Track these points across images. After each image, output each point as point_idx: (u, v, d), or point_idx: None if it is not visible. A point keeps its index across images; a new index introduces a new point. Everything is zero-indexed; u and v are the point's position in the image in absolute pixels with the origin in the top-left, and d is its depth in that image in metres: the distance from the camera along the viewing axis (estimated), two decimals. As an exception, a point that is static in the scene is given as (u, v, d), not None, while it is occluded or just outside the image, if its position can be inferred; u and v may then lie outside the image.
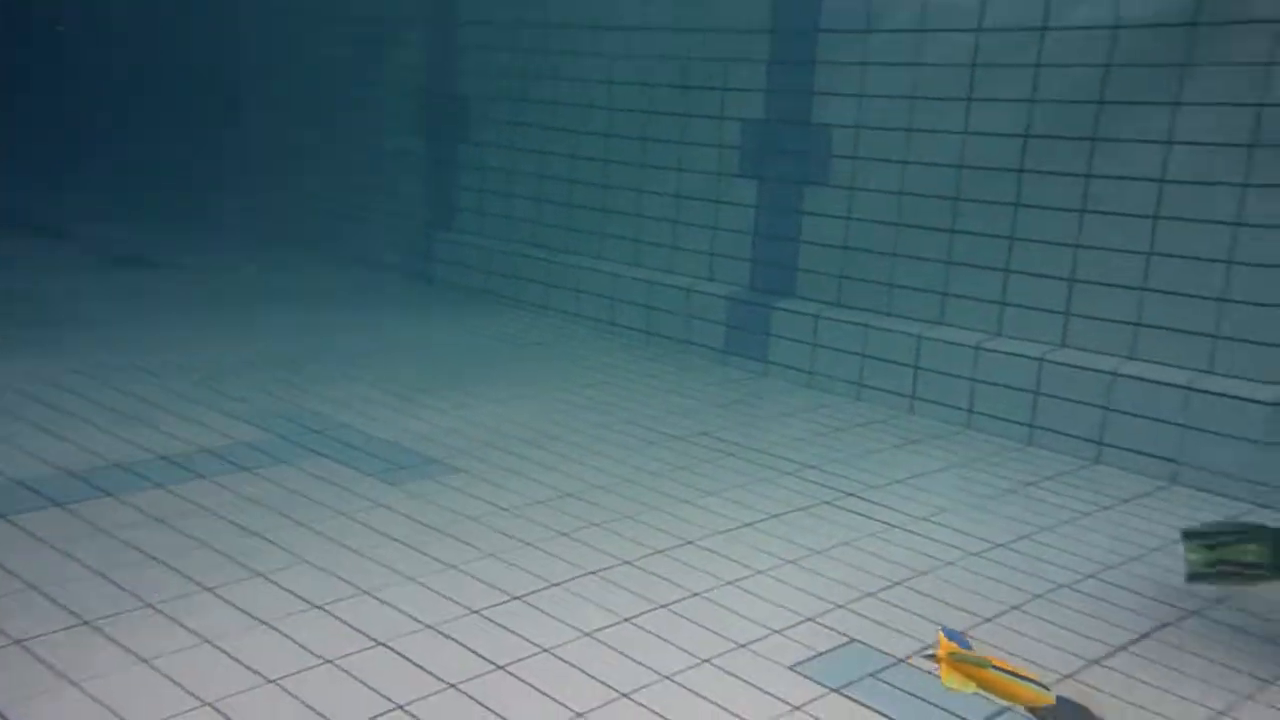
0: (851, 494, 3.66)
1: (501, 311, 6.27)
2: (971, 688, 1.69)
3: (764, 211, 5.17)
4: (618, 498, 3.50)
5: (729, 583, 2.91)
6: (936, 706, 2.32)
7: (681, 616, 2.70)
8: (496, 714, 2.19)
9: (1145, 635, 2.73)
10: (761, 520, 3.38)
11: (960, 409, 4.48)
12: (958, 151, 4.45)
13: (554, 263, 6.11)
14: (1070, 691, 2.42)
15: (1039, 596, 2.93)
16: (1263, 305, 3.70)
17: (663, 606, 2.74)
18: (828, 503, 3.57)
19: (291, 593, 2.67)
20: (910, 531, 3.36)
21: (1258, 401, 3.66)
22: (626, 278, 5.73)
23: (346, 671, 2.32)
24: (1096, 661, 2.58)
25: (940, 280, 4.57)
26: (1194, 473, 3.82)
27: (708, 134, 5.35)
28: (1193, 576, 2.83)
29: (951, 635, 1.73)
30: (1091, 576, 3.09)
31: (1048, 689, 1.65)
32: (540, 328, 5.93)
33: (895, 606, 2.82)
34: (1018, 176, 4.30)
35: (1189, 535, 2.87)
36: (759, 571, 2.99)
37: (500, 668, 2.39)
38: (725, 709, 2.27)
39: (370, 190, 7.30)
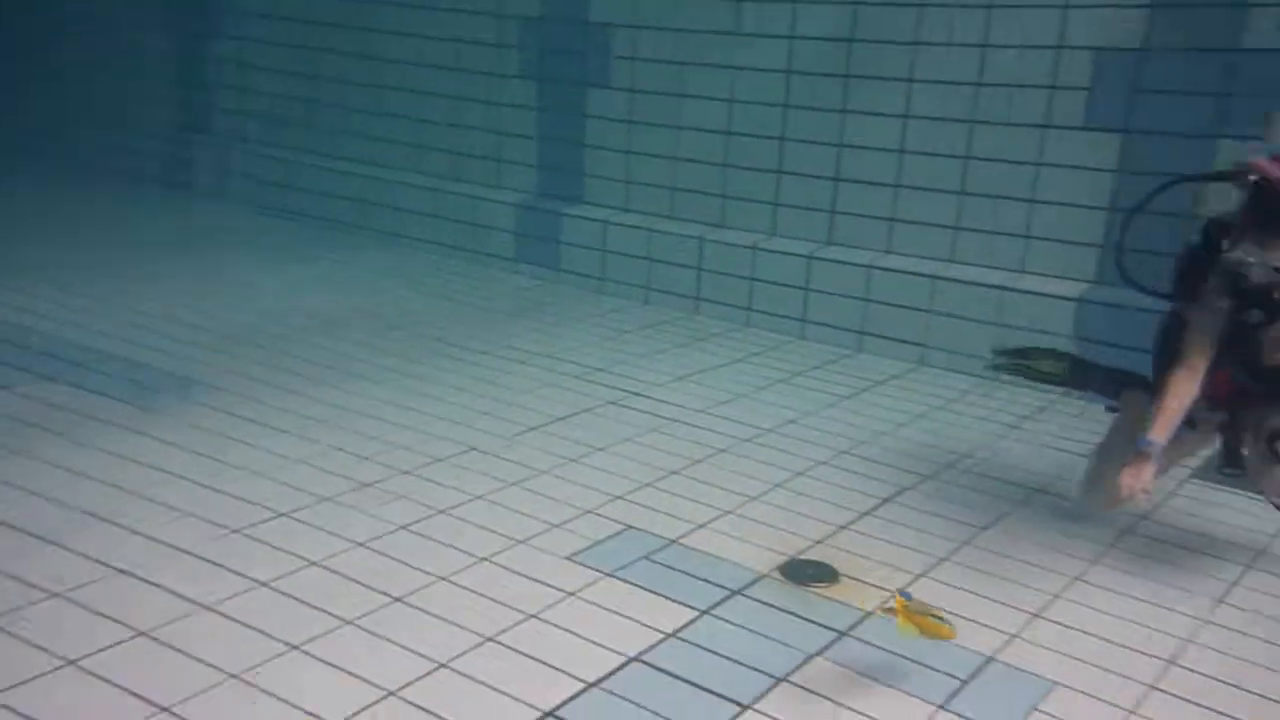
0: (636, 393, 3.78)
1: (270, 221, 5.87)
2: (914, 633, 2.02)
3: (547, 115, 5.08)
4: (398, 409, 3.44)
5: (511, 484, 2.95)
6: (698, 579, 2.49)
7: (461, 520, 2.71)
8: (259, 631, 2.13)
9: (888, 499, 3.03)
10: (547, 424, 3.43)
11: (741, 308, 4.69)
12: (729, 53, 4.54)
13: (329, 169, 5.75)
14: (821, 554, 2.66)
15: (800, 474, 3.18)
16: (993, 197, 4.08)
17: (441, 512, 2.75)
18: (613, 403, 3.67)
19: (11, 526, 2.45)
20: (689, 424, 3.52)
21: (989, 286, 4.07)
22: (411, 186, 5.50)
23: (78, 603, 2.17)
24: (845, 526, 2.84)
25: (719, 183, 4.71)
26: (939, 354, 4.22)
27: (486, 31, 5.15)
28: (993, 366, 3.26)
29: (904, 595, 2.04)
30: (846, 452, 3.38)
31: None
32: (322, 241, 5.61)
33: (671, 494, 2.97)
34: (785, 77, 4.46)
35: (1000, 352, 3.25)
36: (541, 472, 3.05)
37: (263, 584, 2.32)
38: (502, 603, 2.33)
39: (125, 97, 6.53)
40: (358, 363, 3.88)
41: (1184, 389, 2.42)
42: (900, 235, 4.34)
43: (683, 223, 4.82)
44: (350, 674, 2.02)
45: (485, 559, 2.52)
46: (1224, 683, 2.16)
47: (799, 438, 3.47)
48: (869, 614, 2.37)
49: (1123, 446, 2.58)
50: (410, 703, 1.95)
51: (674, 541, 2.69)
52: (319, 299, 4.66)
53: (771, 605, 2.41)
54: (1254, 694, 2.13)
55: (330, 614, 2.23)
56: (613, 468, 3.12)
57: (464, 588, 2.38)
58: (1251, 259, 2.31)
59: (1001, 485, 3.14)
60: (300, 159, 5.91)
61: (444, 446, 3.18)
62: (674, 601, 2.38)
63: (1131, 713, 2.05)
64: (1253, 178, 2.34)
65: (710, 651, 2.20)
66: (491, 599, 2.34)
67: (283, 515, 2.65)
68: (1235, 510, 3.02)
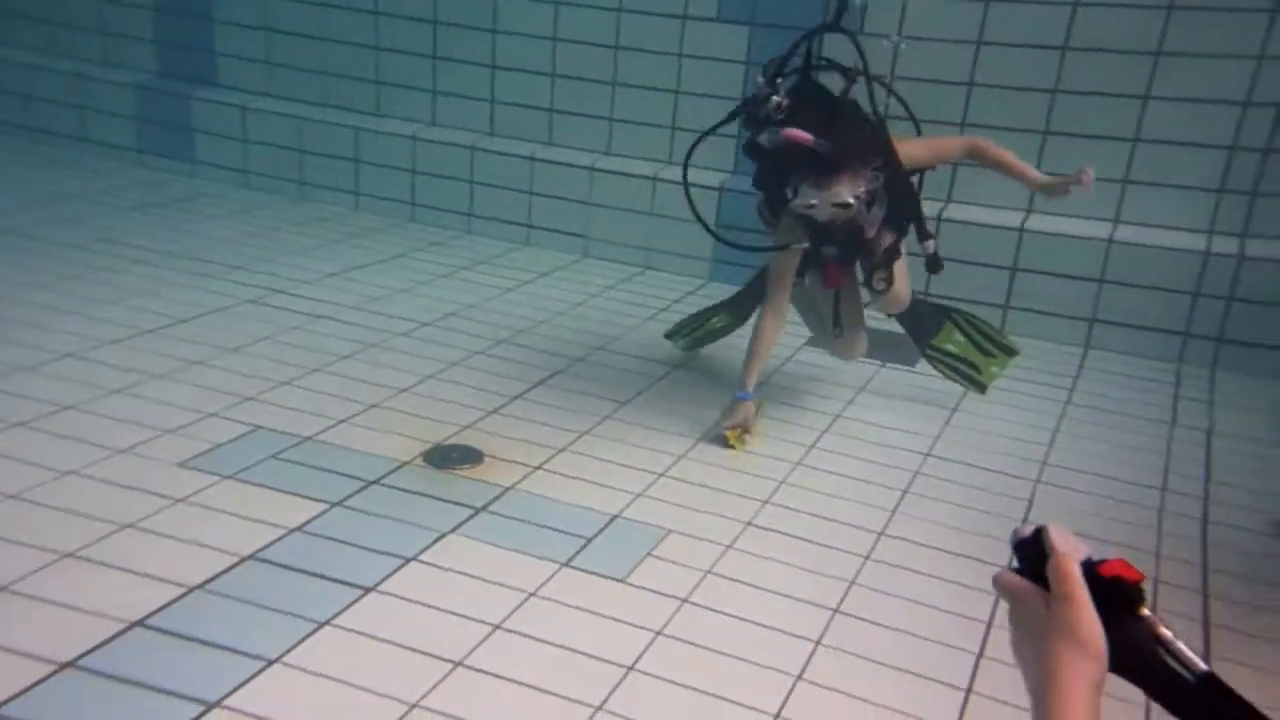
0: (279, 290, 3.51)
1: None
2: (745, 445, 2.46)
3: (165, -19, 4.42)
4: (-24, 320, 2.91)
5: (115, 391, 2.62)
6: (332, 473, 2.39)
7: (44, 432, 2.37)
8: None
9: (539, 383, 3.10)
10: (167, 325, 3.08)
11: (404, 202, 4.49)
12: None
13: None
14: (468, 438, 2.66)
15: (454, 364, 3.15)
16: (641, 88, 4.21)
17: (18, 425, 2.37)
18: (251, 301, 3.38)
19: None
20: (339, 321, 3.34)
21: (644, 177, 4.23)
22: (-3, 61, 4.57)
23: None
24: (494, 411, 2.87)
25: (371, 68, 4.41)
26: (600, 245, 4.35)
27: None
28: (677, 344, 3.37)
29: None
30: (504, 341, 3.39)
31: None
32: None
33: (310, 391, 2.81)
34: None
35: (674, 333, 3.37)
36: (155, 376, 2.74)
37: None
38: (88, 515, 2.07)
39: None
40: (-81, 267, 3.21)
41: (769, 333, 2.78)
42: (560, 127, 4.35)
43: (337, 111, 4.47)
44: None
45: (70, 473, 2.23)
46: (806, 513, 2.48)
47: (458, 329, 3.42)
48: (509, 488, 2.42)
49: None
50: (-42, 637, 1.68)
51: (308, 439, 2.55)
52: None
53: (409, 491, 2.37)
54: (826, 519, 2.47)
55: None
56: (244, 368, 2.88)
57: (39, 504, 2.09)
58: (814, 201, 2.50)
59: (646, 364, 3.33)
60: None
61: (29, 355, 2.74)
62: (301, 497, 2.27)
63: (729, 547, 2.29)
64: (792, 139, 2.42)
65: (338, 541, 2.12)
66: (75, 513, 2.08)
67: None
68: (830, 372, 3.45)
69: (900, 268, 2.82)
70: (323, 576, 1.99)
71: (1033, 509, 2.51)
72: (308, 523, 2.18)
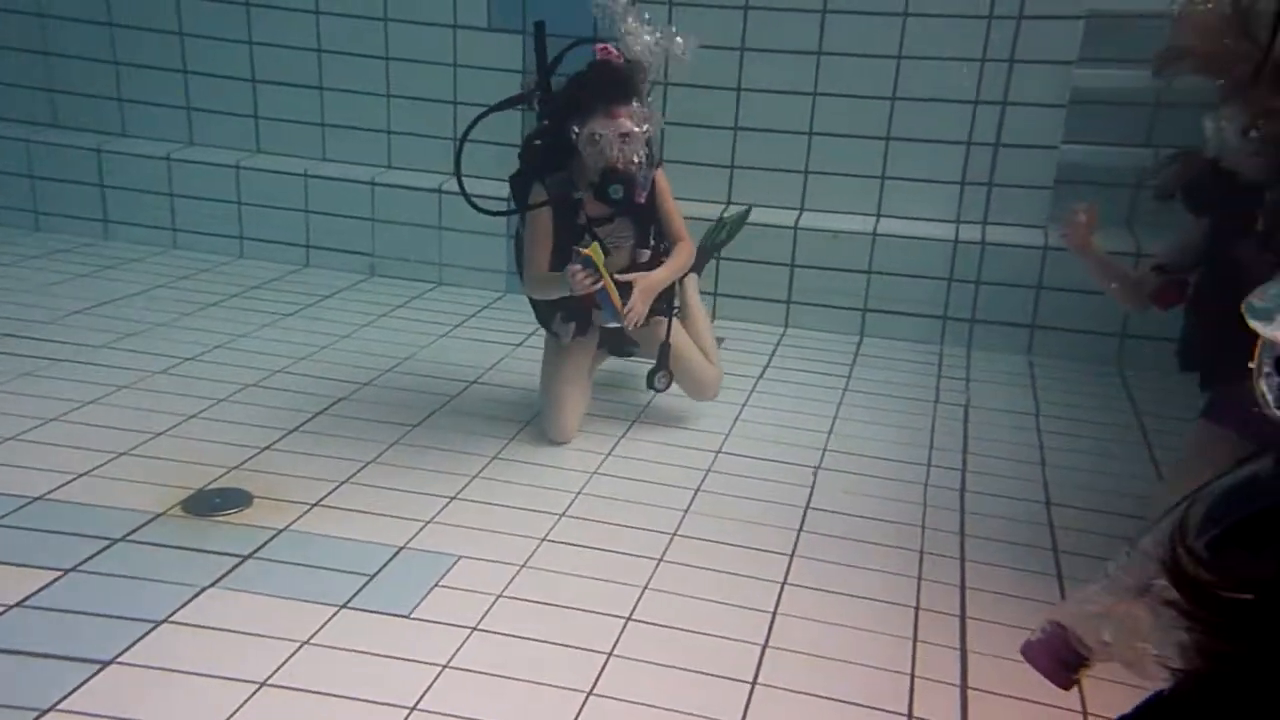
0: (8, 334, 3.10)
1: None
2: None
3: None
4: None
5: None
6: (66, 534, 2.12)
7: None
8: None
9: (320, 412, 2.91)
10: None
11: (163, 228, 4.12)
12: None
13: None
14: (236, 480, 2.45)
15: (222, 401, 2.90)
16: (418, 99, 4.07)
17: None
18: (-27, 348, 2.97)
19: None
20: (80, 363, 3.00)
21: (429, 190, 4.09)
22: None
23: None
24: (268, 447, 2.66)
25: (111, 85, 4.00)
26: (387, 263, 4.17)
27: None
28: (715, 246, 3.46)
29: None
30: (281, 371, 3.16)
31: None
32: None
33: (43, 445, 2.51)
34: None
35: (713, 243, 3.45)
36: None
37: None
38: None
39: None
40: None
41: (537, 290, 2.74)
42: (333, 142, 4.14)
43: (72, 132, 4.03)
44: None
45: None
46: (602, 522, 2.46)
47: (226, 363, 3.16)
48: (281, 530, 2.24)
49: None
50: None
51: (38, 499, 2.26)
52: None
53: (163, 545, 2.15)
54: (623, 526, 2.45)
55: None
56: (-37, 424, 2.52)
57: None
58: (602, 130, 2.52)
59: (437, 383, 3.21)
60: None
61: None
62: (26, 567, 2.00)
63: (523, 566, 2.23)
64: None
65: (70, 613, 1.89)
66: None
67: None
68: (626, 377, 3.47)
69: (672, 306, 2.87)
70: (48, 656, 1.76)
71: (814, 495, 2.61)
72: (32, 596, 1.92)
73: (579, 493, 2.59)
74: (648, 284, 2.66)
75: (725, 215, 3.63)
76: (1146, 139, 3.53)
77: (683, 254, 2.77)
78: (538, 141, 2.67)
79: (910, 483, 2.69)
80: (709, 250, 3.47)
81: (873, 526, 2.46)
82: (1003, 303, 3.60)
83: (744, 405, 3.17)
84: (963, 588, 2.22)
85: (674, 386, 2.93)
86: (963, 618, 2.11)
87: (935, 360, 3.58)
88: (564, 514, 2.48)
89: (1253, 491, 0.40)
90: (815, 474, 2.69)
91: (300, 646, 1.87)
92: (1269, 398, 0.46)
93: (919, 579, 2.25)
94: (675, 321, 2.90)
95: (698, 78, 3.76)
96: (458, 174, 2.60)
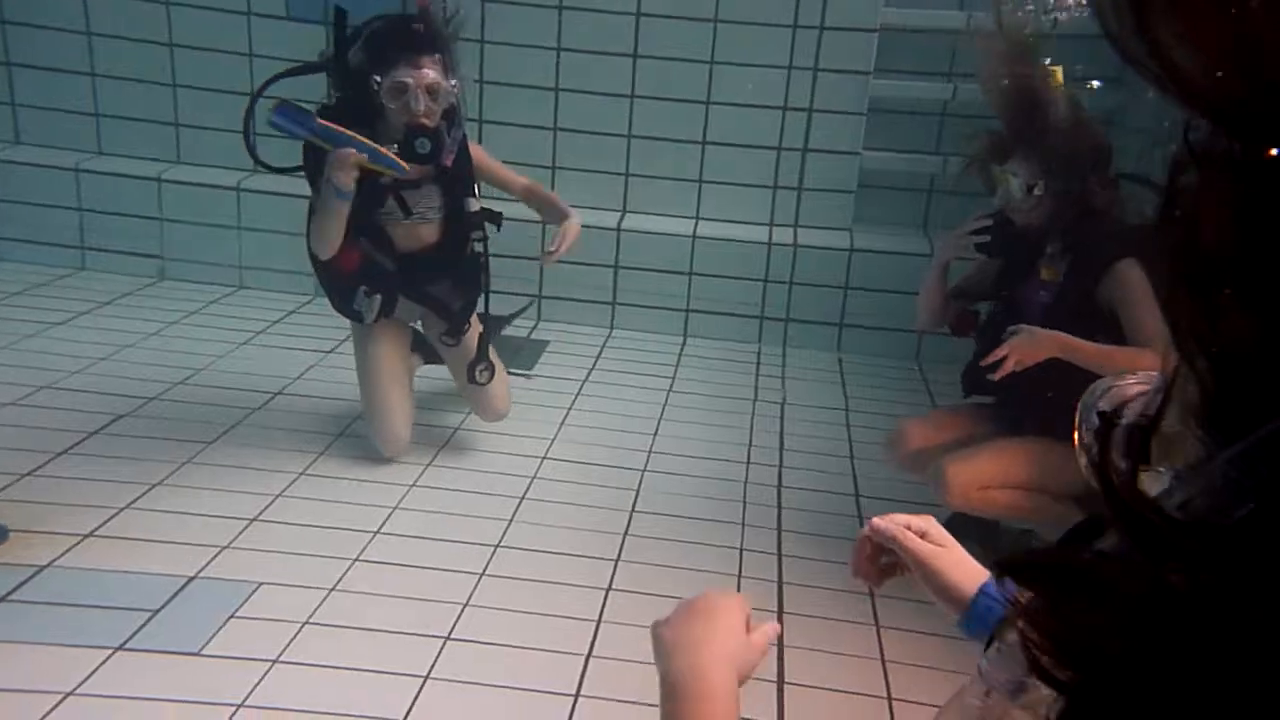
0: None
1: None
2: None
3: None
4: None
5: None
6: None
7: None
8: None
9: (97, 431, 2.61)
10: None
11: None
12: None
13: None
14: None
15: (-27, 422, 2.54)
16: (218, 91, 3.76)
17: None
18: None
19: None
20: None
21: (226, 188, 3.78)
22: None
23: None
24: (30, 473, 2.36)
25: None
26: (182, 265, 3.82)
27: None
28: None
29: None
30: (46, 388, 2.82)
31: None
32: None
33: None
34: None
35: None
36: None
37: None
38: None
39: None
40: None
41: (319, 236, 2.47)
42: (111, 134, 3.75)
43: None
44: None
45: None
46: (421, 538, 2.34)
47: (-21, 379, 2.78)
48: (44, 567, 1.98)
49: None
50: None
51: None
52: None
53: (-108, 595, 1.84)
54: (443, 540, 2.35)
55: None
56: None
57: None
58: (408, 79, 2.36)
59: (236, 395, 2.96)
60: None
61: None
62: None
63: (332, 590, 2.09)
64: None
65: None
66: None
67: None
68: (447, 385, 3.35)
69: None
70: None
71: (639, 497, 2.61)
72: None
73: (395, 508, 2.46)
74: (577, 231, 2.58)
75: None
76: (936, 147, 3.79)
77: (541, 190, 2.73)
78: (331, 105, 2.48)
79: (731, 481, 2.75)
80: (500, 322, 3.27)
81: (695, 526, 2.49)
82: (814, 302, 3.76)
83: (569, 409, 3.13)
84: (780, 584, 2.28)
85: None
86: (780, 614, 2.16)
87: (754, 359, 3.68)
88: (378, 531, 2.34)
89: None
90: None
91: (63, 699, 1.65)
92: (1085, 466, 0.46)
93: (739, 576, 2.29)
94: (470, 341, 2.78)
95: (514, 76, 3.70)
96: (246, 131, 2.41)
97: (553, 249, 2.57)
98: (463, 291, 2.67)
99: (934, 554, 0.84)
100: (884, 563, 0.89)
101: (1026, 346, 2.07)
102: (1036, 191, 2.15)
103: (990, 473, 2.22)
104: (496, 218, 2.62)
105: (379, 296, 2.57)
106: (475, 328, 2.72)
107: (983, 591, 0.80)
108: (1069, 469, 2.32)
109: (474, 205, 2.60)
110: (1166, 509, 0.33)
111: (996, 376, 2.09)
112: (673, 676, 0.74)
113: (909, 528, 0.86)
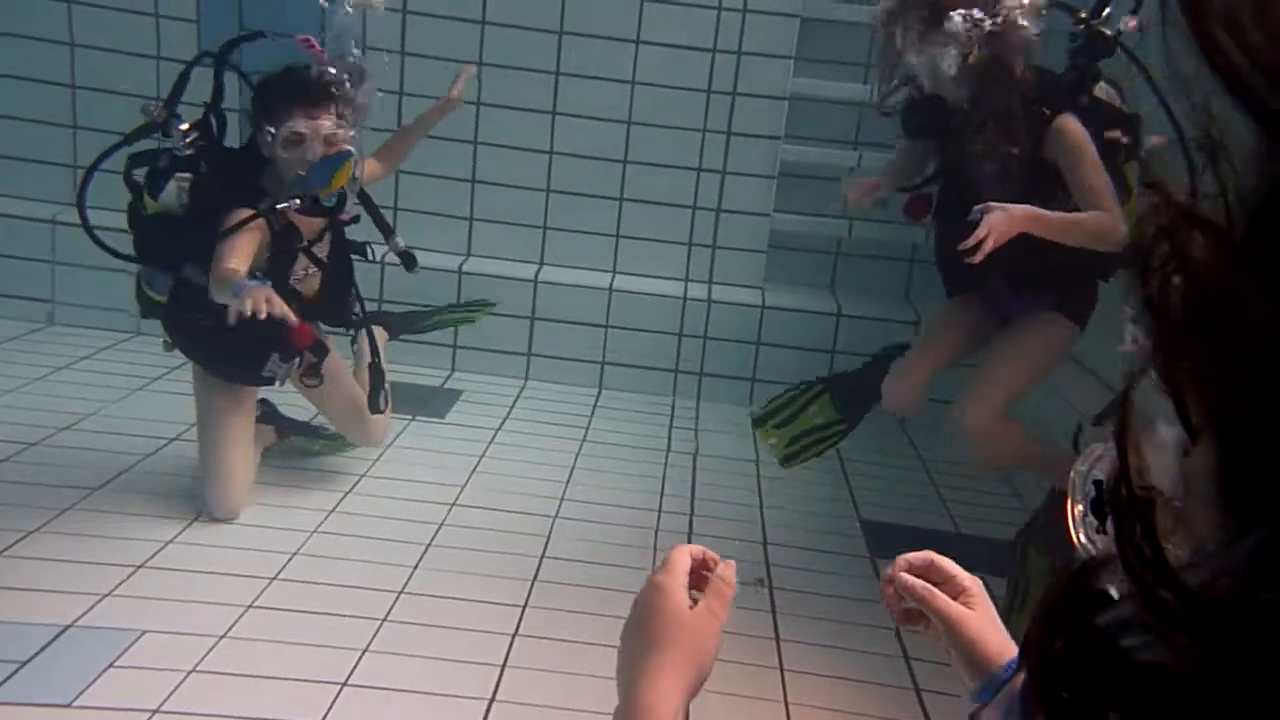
0: None
1: None
2: None
3: None
4: None
5: None
6: None
7: None
8: None
9: None
10: None
11: None
12: None
13: None
14: None
15: None
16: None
17: None
18: None
19: None
20: None
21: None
22: None
23: None
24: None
25: None
26: (72, 310, 3.66)
27: None
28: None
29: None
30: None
31: None
32: None
33: None
34: None
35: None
36: None
37: None
38: None
39: None
40: None
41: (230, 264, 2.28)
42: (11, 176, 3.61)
43: None
44: None
45: None
46: (320, 583, 2.25)
47: None
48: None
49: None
50: None
51: None
52: None
53: None
54: (344, 586, 2.27)
55: None
56: None
57: None
58: (302, 129, 2.30)
59: (128, 440, 2.82)
60: None
61: None
62: None
63: (223, 637, 1.98)
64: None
65: None
66: None
67: None
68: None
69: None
70: None
71: (549, 544, 2.58)
72: None
73: (295, 553, 2.36)
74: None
75: (464, 304, 3.49)
76: (844, 212, 3.96)
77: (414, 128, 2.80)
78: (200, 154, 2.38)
79: (642, 528, 2.74)
80: (418, 321, 3.27)
81: (605, 572, 2.46)
82: (727, 357, 3.83)
83: (481, 458, 3.09)
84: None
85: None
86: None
87: (668, 411, 3.71)
88: (275, 577, 2.25)
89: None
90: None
91: (-87, 756, 1.51)
92: (1081, 538, 0.46)
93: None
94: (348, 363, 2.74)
95: (435, 129, 3.72)
96: (82, 213, 2.38)
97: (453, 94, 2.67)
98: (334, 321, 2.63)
99: (963, 619, 0.79)
100: (907, 607, 0.84)
101: (1003, 224, 2.04)
102: (970, 59, 2.13)
103: (999, 396, 2.34)
104: (363, 250, 2.62)
105: (297, 359, 2.47)
106: (336, 380, 2.62)
107: (1007, 668, 0.76)
108: (1055, 352, 2.41)
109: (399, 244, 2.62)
110: (1191, 586, 0.32)
111: (978, 259, 2.04)
112: (619, 700, 0.72)
113: (933, 568, 0.82)
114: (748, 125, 3.79)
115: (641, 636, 0.74)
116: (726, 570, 0.79)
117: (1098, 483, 0.44)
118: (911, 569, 0.83)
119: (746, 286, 3.91)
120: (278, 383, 2.55)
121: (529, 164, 3.82)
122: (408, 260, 2.63)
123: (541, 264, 3.90)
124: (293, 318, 2.14)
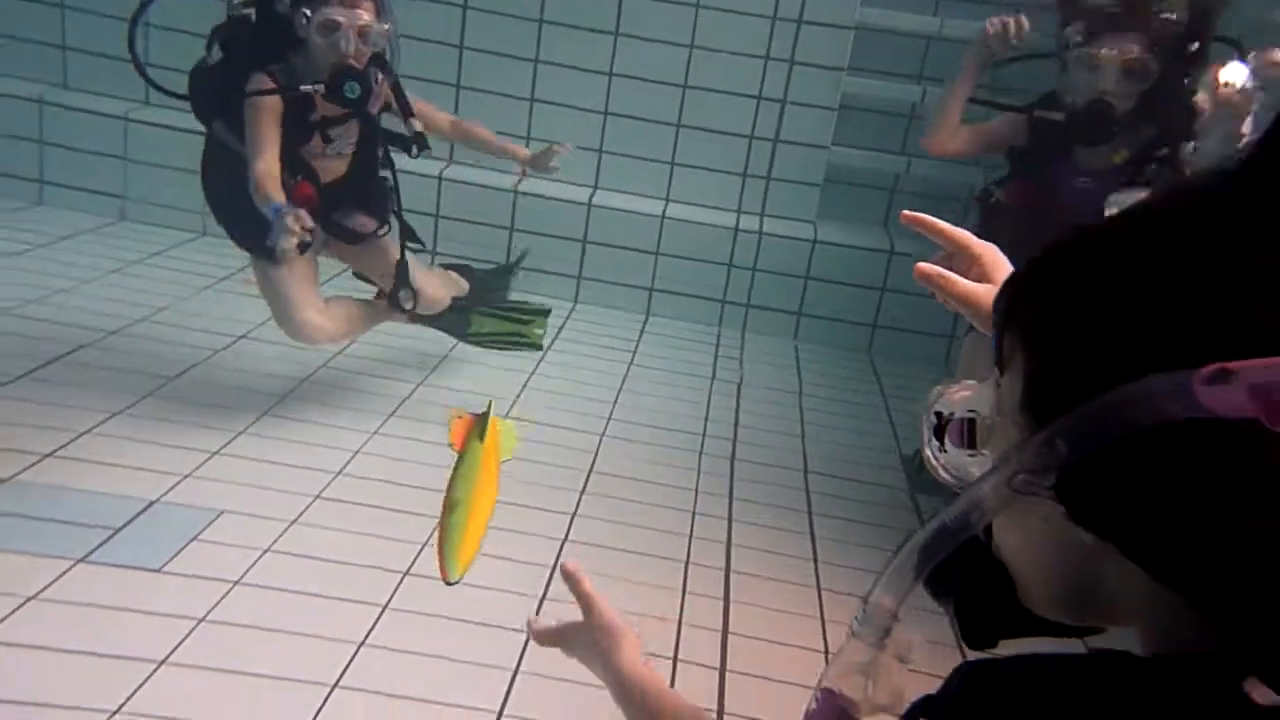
0: None
1: None
2: None
3: None
4: None
5: None
6: None
7: None
8: None
9: (54, 360, 2.59)
10: None
11: None
12: None
13: None
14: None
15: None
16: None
17: None
18: None
19: None
20: None
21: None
22: None
23: None
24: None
25: None
26: (142, 207, 3.77)
27: None
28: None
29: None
30: (4, 314, 2.78)
31: None
32: None
33: None
34: None
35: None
36: None
37: None
38: None
39: None
40: None
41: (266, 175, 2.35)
42: (75, 67, 3.69)
43: None
44: None
45: None
46: (381, 480, 2.38)
47: (-67, 300, 2.73)
48: (4, 481, 1.98)
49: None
50: None
51: None
52: None
53: None
54: (405, 485, 2.39)
55: None
56: None
57: None
58: (340, 17, 2.32)
59: (200, 336, 2.95)
60: None
61: None
62: None
63: (295, 522, 2.12)
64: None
65: None
66: None
67: None
68: (414, 341, 3.37)
69: (424, 274, 2.77)
70: None
71: (598, 459, 2.67)
72: None
73: (357, 452, 2.49)
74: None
75: (521, 309, 3.45)
76: (902, 147, 3.93)
77: (476, 129, 2.82)
78: (228, 27, 2.43)
79: (686, 450, 2.83)
80: (493, 292, 3.33)
81: (650, 489, 2.56)
82: (775, 290, 3.86)
83: (532, 373, 3.18)
84: (729, 544, 2.37)
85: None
86: (727, 572, 2.25)
87: (714, 341, 3.77)
88: (340, 472, 2.37)
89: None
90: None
91: (25, 603, 1.66)
92: (935, 464, 0.55)
93: (690, 536, 2.38)
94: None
95: (494, 45, 3.73)
96: (133, 52, 2.44)
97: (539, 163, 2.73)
98: (374, 215, 2.64)
99: (980, 297, 0.84)
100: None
101: None
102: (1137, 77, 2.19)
103: None
104: (409, 142, 2.54)
105: (321, 234, 2.47)
106: (391, 251, 2.67)
107: None
108: None
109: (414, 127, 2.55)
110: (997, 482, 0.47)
111: None
112: (608, 687, 0.92)
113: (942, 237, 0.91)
114: (811, 55, 3.73)
115: (594, 659, 0.94)
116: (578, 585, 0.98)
117: (938, 414, 0.55)
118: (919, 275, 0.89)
119: (799, 220, 3.91)
120: (311, 253, 2.54)
121: (588, 85, 3.81)
122: (418, 140, 2.54)
123: (596, 188, 3.93)
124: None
